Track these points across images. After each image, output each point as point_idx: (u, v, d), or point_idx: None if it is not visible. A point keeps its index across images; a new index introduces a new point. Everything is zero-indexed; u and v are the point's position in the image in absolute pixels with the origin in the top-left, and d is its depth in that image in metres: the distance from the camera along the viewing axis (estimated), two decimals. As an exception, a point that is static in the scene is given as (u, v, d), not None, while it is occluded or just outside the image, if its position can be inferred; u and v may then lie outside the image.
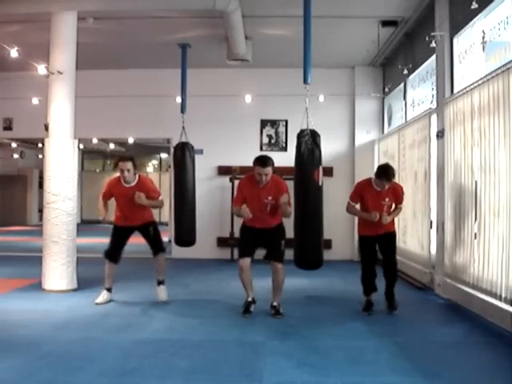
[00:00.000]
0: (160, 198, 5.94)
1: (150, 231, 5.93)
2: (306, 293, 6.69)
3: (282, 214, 5.37)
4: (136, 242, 6.13)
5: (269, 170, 5.23)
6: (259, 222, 5.40)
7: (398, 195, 5.68)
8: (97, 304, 5.82)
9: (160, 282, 6.08)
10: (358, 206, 5.76)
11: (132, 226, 5.93)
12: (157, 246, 6.01)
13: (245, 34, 7.97)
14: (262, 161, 5.26)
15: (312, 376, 3.66)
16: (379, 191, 5.53)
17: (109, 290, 5.97)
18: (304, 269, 5.41)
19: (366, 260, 5.67)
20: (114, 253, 5.92)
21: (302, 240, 5.24)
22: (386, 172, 5.48)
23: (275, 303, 5.45)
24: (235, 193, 5.61)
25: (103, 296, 5.92)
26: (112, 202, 5.97)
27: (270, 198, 5.30)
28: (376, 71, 10.11)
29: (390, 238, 5.66)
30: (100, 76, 9.99)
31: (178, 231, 7.67)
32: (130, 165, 5.69)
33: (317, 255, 5.32)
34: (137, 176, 5.84)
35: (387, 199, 5.55)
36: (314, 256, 5.32)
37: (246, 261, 5.40)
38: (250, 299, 5.48)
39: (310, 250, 5.26)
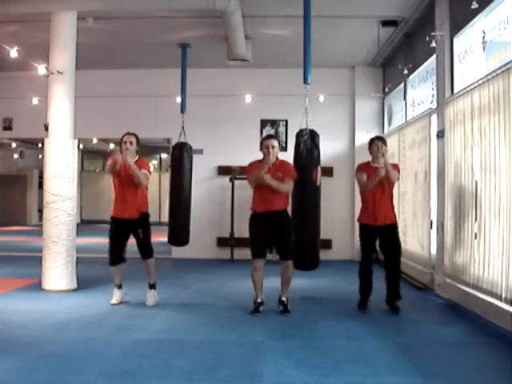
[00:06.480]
0: (148, 176, 5.77)
1: (140, 233, 5.77)
2: (306, 293, 6.68)
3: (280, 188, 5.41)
4: (135, 242, 6.11)
5: (275, 141, 5.51)
6: (267, 204, 5.40)
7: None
8: (112, 305, 5.74)
9: (151, 286, 5.92)
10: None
11: (128, 219, 5.71)
12: (145, 250, 5.84)
13: (245, 33, 7.96)
14: (268, 135, 5.97)
15: (312, 376, 3.66)
16: (378, 167, 5.58)
17: (119, 286, 5.88)
18: (300, 269, 5.41)
19: (365, 250, 5.70)
20: (115, 257, 5.77)
21: (298, 240, 5.23)
22: (377, 136, 5.91)
23: (284, 298, 5.52)
24: (246, 174, 5.61)
25: (116, 295, 5.83)
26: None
27: (279, 173, 5.36)
28: (376, 71, 10.12)
29: (391, 229, 5.65)
30: (100, 76, 9.99)
31: (172, 230, 7.65)
32: (133, 138, 5.83)
33: (313, 255, 5.30)
34: (137, 156, 5.85)
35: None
36: (310, 256, 5.30)
37: (260, 261, 5.48)
38: (259, 300, 5.51)
39: (306, 250, 5.25)
